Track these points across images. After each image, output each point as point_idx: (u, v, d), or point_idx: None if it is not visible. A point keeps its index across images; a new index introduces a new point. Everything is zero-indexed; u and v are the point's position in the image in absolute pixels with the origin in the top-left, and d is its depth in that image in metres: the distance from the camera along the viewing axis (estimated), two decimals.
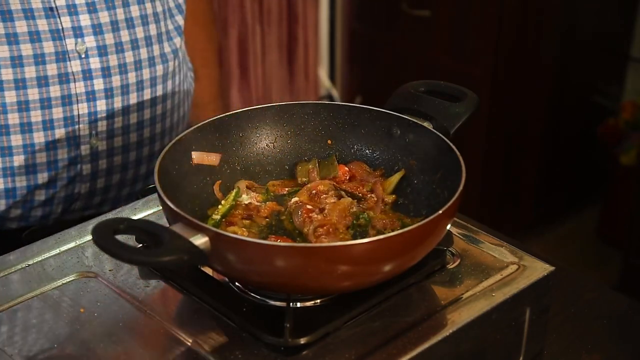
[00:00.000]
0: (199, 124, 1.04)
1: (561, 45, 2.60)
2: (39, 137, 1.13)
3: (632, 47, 2.85)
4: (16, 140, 1.12)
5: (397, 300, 0.93)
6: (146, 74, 1.21)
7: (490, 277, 0.97)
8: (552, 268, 0.98)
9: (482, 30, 2.44)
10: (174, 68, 1.28)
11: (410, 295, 0.94)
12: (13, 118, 1.11)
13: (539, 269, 0.98)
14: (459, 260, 1.00)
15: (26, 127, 1.11)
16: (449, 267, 0.99)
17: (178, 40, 1.30)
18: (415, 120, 1.06)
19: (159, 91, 1.24)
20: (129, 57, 1.18)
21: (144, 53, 1.20)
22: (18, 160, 1.13)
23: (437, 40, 2.55)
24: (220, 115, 1.07)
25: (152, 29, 1.22)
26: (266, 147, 1.10)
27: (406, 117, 1.06)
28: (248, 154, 1.09)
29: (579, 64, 2.69)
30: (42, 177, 1.15)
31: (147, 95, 1.22)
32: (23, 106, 1.11)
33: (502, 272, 0.98)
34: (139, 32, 1.19)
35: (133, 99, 1.20)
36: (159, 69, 1.23)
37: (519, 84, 2.55)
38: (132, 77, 1.19)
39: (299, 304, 0.92)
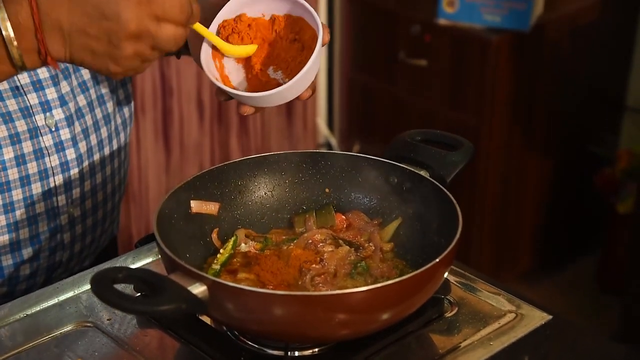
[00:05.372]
0: (198, 173, 1.05)
1: (557, 94, 2.62)
2: (21, 215, 1.13)
3: (627, 97, 2.88)
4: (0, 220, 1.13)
5: (395, 349, 0.93)
6: (104, 132, 1.22)
7: (488, 326, 0.97)
8: (549, 317, 0.98)
9: (478, 80, 2.46)
10: (124, 118, 1.28)
11: (408, 344, 0.94)
12: None
13: (536, 318, 0.98)
14: (456, 309, 1.00)
15: (9, 207, 1.12)
16: (447, 315, 0.99)
17: (128, 87, 1.29)
18: (412, 169, 1.07)
19: (115, 145, 1.25)
20: (89, 120, 1.19)
21: (99, 113, 1.21)
22: (3, 239, 1.13)
23: (434, 89, 2.58)
24: (219, 165, 1.08)
25: (104, 87, 1.22)
26: (264, 195, 1.11)
27: (403, 165, 1.07)
28: (246, 203, 1.10)
29: (574, 113, 2.72)
30: (27, 252, 1.15)
31: (107, 152, 1.23)
32: (5, 187, 1.11)
33: (499, 320, 0.98)
34: (93, 94, 1.20)
35: (97, 160, 1.21)
36: (112, 125, 1.24)
37: (515, 132, 2.56)
38: (93, 139, 1.19)
39: (297, 353, 0.92)
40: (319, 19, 0.97)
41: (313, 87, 1.01)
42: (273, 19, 1.01)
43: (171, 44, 0.90)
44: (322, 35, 0.96)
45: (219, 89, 1.00)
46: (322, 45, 0.97)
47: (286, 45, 1.00)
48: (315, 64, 0.97)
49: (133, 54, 0.89)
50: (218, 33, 1.01)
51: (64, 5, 0.87)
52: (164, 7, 0.88)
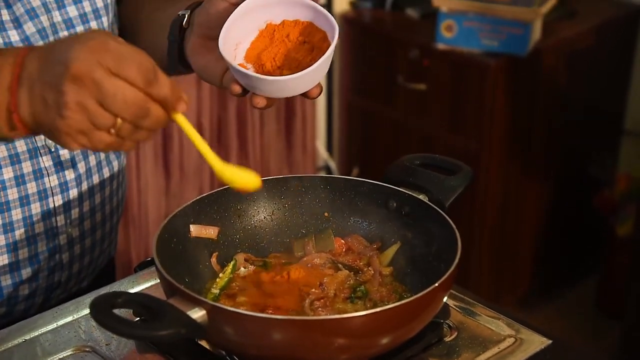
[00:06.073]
0: (198, 198, 1.05)
1: (555, 118, 2.64)
2: (20, 235, 1.14)
3: (625, 121, 2.89)
4: None
5: None
6: (102, 153, 1.22)
7: (487, 351, 0.97)
8: (549, 341, 0.98)
9: (477, 104, 2.48)
10: None
11: None
12: None
13: (536, 342, 0.98)
14: (456, 333, 1.00)
15: (8, 227, 1.12)
16: (446, 340, 0.99)
17: None
18: (411, 193, 1.07)
19: (114, 166, 1.26)
20: None
21: None
22: (2, 259, 1.14)
23: (433, 113, 2.59)
24: (219, 189, 1.08)
25: None
26: (263, 219, 1.11)
27: (402, 190, 1.08)
28: (246, 227, 1.10)
29: (573, 136, 2.73)
30: (26, 272, 1.16)
31: (106, 173, 1.23)
32: (4, 207, 1.12)
33: (499, 345, 0.98)
34: None
35: (95, 180, 1.21)
36: None
37: (514, 155, 2.57)
38: (92, 160, 1.20)
39: None
40: (332, 16, 0.98)
41: (320, 87, 1.00)
42: (282, 24, 1.02)
43: (121, 105, 0.81)
44: (337, 31, 0.96)
45: (234, 81, 0.98)
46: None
47: (296, 46, 1.01)
48: (329, 59, 0.97)
49: (75, 104, 0.82)
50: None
51: (41, 58, 0.85)
52: (120, 62, 0.81)
